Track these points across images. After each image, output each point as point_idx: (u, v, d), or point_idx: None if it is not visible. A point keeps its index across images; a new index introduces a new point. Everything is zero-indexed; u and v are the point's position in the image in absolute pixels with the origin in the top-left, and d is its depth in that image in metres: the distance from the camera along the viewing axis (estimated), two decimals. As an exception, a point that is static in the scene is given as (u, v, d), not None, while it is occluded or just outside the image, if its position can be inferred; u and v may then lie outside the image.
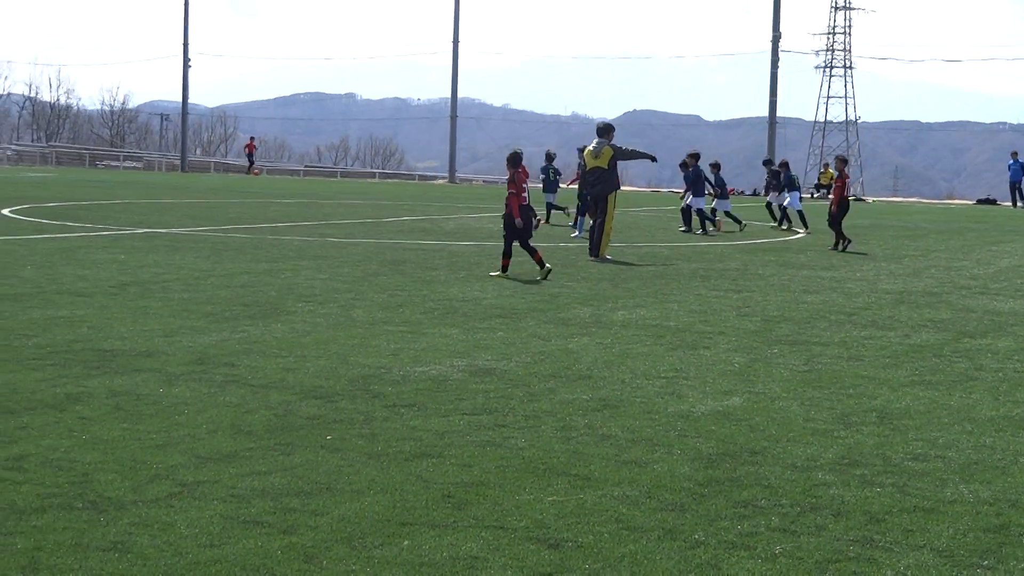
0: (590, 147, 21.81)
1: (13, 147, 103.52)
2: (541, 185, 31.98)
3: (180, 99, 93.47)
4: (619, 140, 22.28)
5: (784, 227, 31.76)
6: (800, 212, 31.39)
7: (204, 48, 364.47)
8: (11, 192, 39.75)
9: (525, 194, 17.71)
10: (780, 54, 75.81)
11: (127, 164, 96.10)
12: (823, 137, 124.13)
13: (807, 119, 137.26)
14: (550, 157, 32.41)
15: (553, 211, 31.23)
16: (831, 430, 8.19)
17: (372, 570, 5.29)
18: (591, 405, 8.75)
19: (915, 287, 17.63)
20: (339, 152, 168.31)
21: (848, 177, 25.59)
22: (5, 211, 29.06)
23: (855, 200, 58.62)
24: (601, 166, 21.47)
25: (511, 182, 17.70)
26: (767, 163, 35.72)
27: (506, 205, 17.71)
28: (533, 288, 15.96)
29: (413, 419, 8.14)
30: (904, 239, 29.26)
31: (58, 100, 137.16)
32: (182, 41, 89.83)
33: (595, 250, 21.04)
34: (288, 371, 9.67)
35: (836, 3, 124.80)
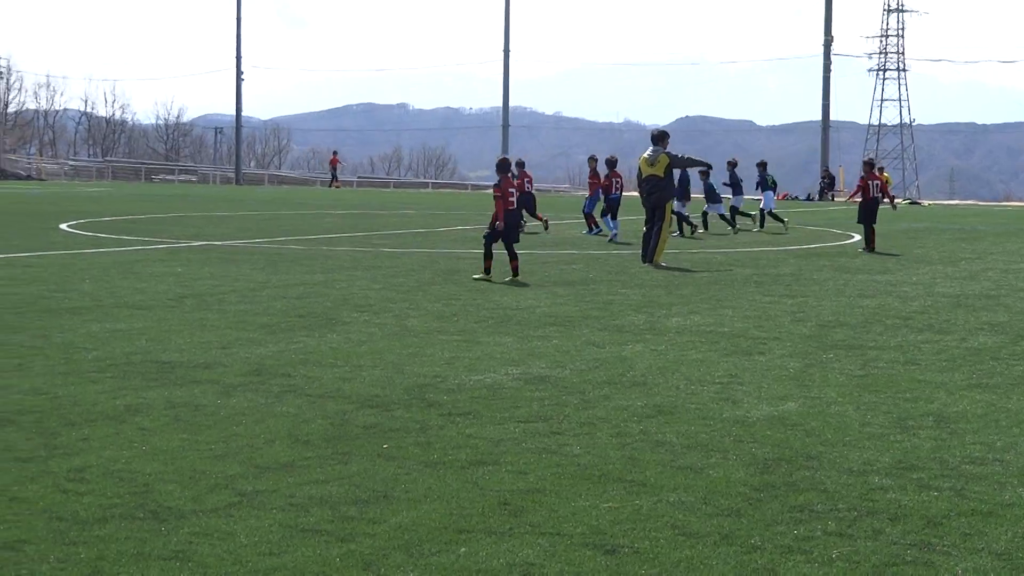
0: (645, 155, 21.61)
1: (70, 162, 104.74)
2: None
3: (234, 112, 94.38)
4: (672, 146, 22.16)
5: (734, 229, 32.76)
6: (734, 209, 33.12)
7: (257, 61, 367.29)
8: (68, 207, 40.23)
9: (512, 199, 18.10)
10: (832, 57, 75.51)
11: (182, 177, 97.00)
12: (877, 140, 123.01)
13: (861, 122, 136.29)
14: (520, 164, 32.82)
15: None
16: (887, 434, 8.15)
17: (430, 577, 5.33)
18: (646, 411, 8.76)
19: (972, 290, 17.49)
20: (392, 162, 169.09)
21: (872, 179, 25.34)
22: (63, 226, 29.41)
23: (910, 203, 58.21)
24: (657, 174, 21.29)
25: (496, 187, 18.29)
26: (731, 164, 34.50)
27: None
28: (587, 296, 15.97)
29: (468, 427, 8.18)
30: (960, 242, 29.03)
31: (113, 115, 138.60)
32: (235, 54, 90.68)
33: (649, 256, 20.98)
34: (344, 381, 9.73)
35: (888, 5, 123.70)
